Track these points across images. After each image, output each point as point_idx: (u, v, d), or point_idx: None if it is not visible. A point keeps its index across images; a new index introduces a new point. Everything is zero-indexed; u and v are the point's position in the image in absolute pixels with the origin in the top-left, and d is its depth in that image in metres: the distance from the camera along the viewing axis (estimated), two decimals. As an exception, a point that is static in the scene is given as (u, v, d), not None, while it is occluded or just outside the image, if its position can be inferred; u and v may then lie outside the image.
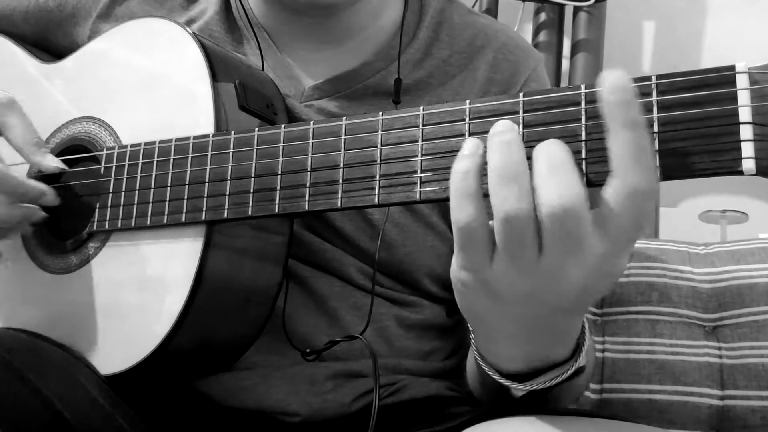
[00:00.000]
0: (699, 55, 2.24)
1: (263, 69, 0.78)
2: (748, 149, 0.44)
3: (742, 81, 0.45)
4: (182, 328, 0.64)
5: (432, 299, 0.80)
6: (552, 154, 0.46)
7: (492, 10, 2.16)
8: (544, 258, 0.47)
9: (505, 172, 0.46)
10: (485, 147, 0.48)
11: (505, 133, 0.47)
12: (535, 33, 2.20)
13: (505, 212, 0.46)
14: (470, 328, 0.60)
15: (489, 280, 0.49)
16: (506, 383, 0.58)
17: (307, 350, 0.72)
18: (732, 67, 0.45)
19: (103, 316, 0.69)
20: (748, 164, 0.44)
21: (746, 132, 0.44)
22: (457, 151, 0.50)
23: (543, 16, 2.18)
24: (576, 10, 2.14)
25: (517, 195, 0.45)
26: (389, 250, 0.77)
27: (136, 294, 0.67)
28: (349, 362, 0.75)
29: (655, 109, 0.47)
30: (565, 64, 2.20)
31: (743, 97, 0.45)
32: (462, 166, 0.48)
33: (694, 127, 0.46)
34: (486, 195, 0.47)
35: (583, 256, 0.47)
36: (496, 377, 0.59)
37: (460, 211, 0.47)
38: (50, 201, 0.71)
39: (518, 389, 0.58)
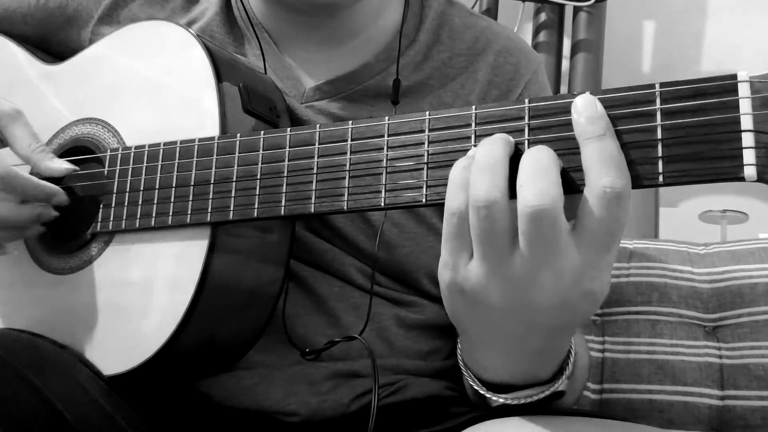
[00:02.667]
0: (699, 55, 2.24)
1: (265, 69, 0.78)
2: (749, 156, 0.45)
3: (743, 89, 0.46)
4: (186, 329, 0.64)
5: (432, 299, 0.81)
6: (538, 158, 0.47)
7: (492, 11, 2.16)
8: (518, 259, 0.48)
9: (483, 163, 0.48)
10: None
11: (495, 135, 0.49)
12: (535, 33, 2.20)
13: (475, 199, 0.47)
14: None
15: (465, 279, 0.51)
16: (482, 391, 0.60)
17: (306, 350, 0.72)
18: (734, 76, 0.46)
19: (105, 316, 0.69)
20: (750, 171, 0.45)
21: (748, 139, 0.45)
22: (463, 154, 0.52)
23: (543, 16, 2.18)
24: (576, 10, 2.14)
25: (488, 184, 0.47)
26: (389, 250, 0.77)
27: (140, 295, 0.67)
28: (348, 362, 0.75)
29: (658, 115, 0.48)
30: (565, 64, 2.20)
31: (745, 106, 0.45)
32: (463, 161, 0.50)
33: (697, 134, 0.46)
34: None
35: (558, 266, 0.47)
36: (474, 384, 0.60)
37: (454, 200, 0.49)
38: (61, 201, 0.72)
39: (492, 399, 0.59)
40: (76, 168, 0.72)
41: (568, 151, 0.49)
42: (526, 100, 0.51)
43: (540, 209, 0.46)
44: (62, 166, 0.72)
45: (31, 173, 0.72)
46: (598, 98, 0.49)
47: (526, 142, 0.51)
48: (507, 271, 0.48)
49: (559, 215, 0.46)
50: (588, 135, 0.47)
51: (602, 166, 0.46)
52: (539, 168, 0.47)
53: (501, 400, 0.59)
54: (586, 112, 0.48)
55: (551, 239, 0.47)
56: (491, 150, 0.48)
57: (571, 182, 0.49)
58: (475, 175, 0.48)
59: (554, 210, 0.46)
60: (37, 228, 0.73)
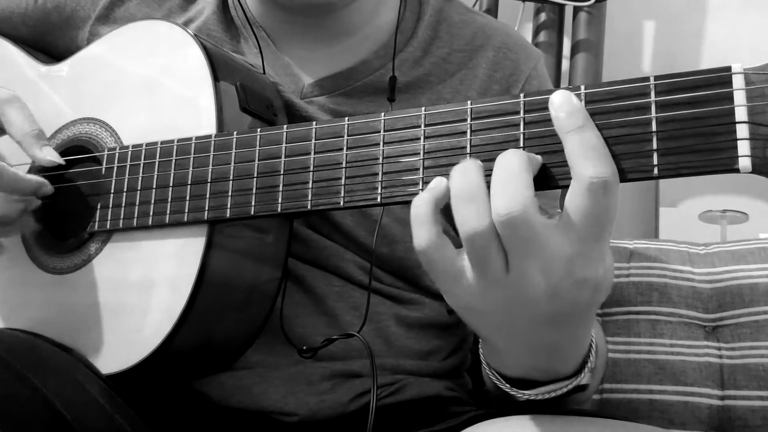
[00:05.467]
0: (699, 55, 2.24)
1: (263, 68, 0.78)
2: (744, 148, 0.45)
3: (738, 81, 0.46)
4: (184, 328, 0.64)
5: (432, 296, 0.80)
6: (505, 165, 0.48)
7: (492, 10, 2.16)
8: (510, 268, 0.49)
9: (463, 194, 0.48)
10: (446, 184, 0.50)
11: (464, 163, 0.50)
12: (535, 33, 2.20)
13: (467, 232, 0.48)
14: None
15: (459, 295, 0.51)
16: (505, 388, 0.60)
17: (304, 347, 0.72)
18: (728, 68, 0.46)
19: (104, 315, 0.69)
20: (744, 162, 0.45)
21: (742, 131, 0.45)
22: (459, 149, 0.52)
23: (543, 16, 2.18)
24: (576, 10, 2.14)
25: (475, 214, 0.48)
26: (390, 245, 0.77)
27: (137, 294, 0.67)
28: (347, 362, 0.75)
29: (653, 108, 0.47)
30: (565, 64, 2.20)
31: (739, 97, 0.45)
32: (419, 198, 0.51)
33: (692, 126, 0.47)
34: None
35: (546, 261, 0.48)
36: (498, 382, 0.60)
37: (416, 237, 0.50)
38: (46, 191, 0.72)
39: (518, 396, 0.59)
40: (63, 161, 0.72)
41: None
42: (521, 95, 0.51)
43: (511, 217, 0.46)
44: (48, 156, 0.71)
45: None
46: (594, 91, 0.49)
47: (522, 136, 0.51)
48: (502, 277, 0.49)
49: (532, 217, 0.47)
50: (568, 128, 0.48)
51: (585, 157, 0.47)
52: (507, 174, 0.47)
53: (525, 396, 0.59)
54: (563, 107, 0.48)
55: (530, 239, 0.47)
56: (469, 180, 0.49)
57: (552, 177, 0.49)
58: (457, 207, 0.49)
59: (525, 214, 0.46)
60: (30, 224, 0.73)
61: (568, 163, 0.47)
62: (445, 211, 0.51)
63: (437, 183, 0.51)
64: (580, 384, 0.59)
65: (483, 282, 0.49)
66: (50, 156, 0.71)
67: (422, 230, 0.50)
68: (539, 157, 0.50)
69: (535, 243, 0.47)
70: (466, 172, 0.49)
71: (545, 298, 0.49)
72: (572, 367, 0.58)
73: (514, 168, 0.47)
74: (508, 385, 0.60)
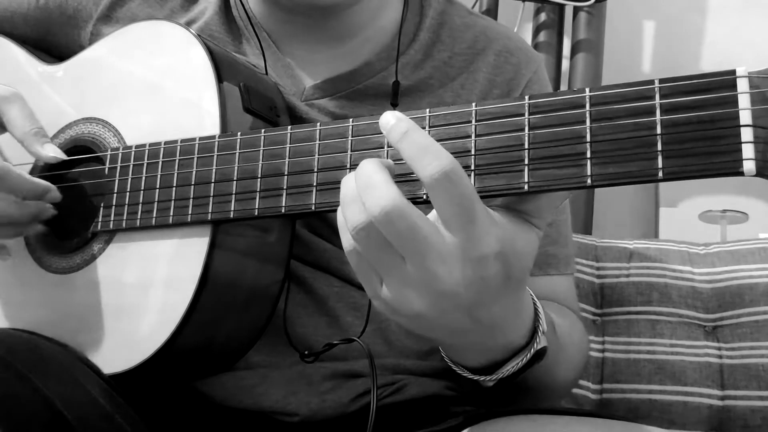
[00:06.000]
0: (699, 55, 2.24)
1: (266, 69, 0.78)
2: (748, 151, 0.45)
3: (742, 85, 0.46)
4: (186, 328, 0.64)
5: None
6: (361, 174, 0.50)
7: (492, 11, 2.16)
8: (407, 262, 0.50)
9: (345, 199, 0.51)
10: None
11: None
12: (535, 33, 2.20)
13: (351, 227, 0.50)
14: None
15: (388, 300, 0.53)
16: (473, 377, 0.61)
17: (306, 352, 0.72)
18: (733, 72, 0.46)
19: (106, 315, 0.69)
20: (749, 165, 0.45)
21: (747, 134, 0.45)
22: (463, 152, 0.52)
23: (543, 17, 2.18)
24: (576, 10, 2.14)
25: (354, 212, 0.50)
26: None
27: (140, 294, 0.67)
28: (348, 362, 0.75)
29: (658, 111, 0.48)
30: (565, 64, 2.20)
31: (744, 101, 0.46)
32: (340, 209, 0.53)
33: (696, 129, 0.47)
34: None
35: (439, 251, 0.49)
36: (465, 374, 0.61)
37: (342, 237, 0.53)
38: (54, 198, 0.71)
39: (486, 381, 0.60)
40: (65, 157, 0.72)
41: (572, 148, 0.49)
42: (526, 97, 0.51)
43: (384, 211, 0.48)
44: (50, 153, 0.71)
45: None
46: (598, 93, 0.49)
47: (526, 138, 0.51)
48: (407, 277, 0.50)
49: (404, 211, 0.48)
50: (395, 139, 0.50)
51: (419, 158, 0.48)
52: (368, 182, 0.49)
53: (490, 379, 0.60)
54: (387, 124, 0.50)
55: (412, 230, 0.49)
56: (346, 185, 0.51)
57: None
58: (342, 210, 0.51)
59: (397, 207, 0.48)
60: (37, 227, 0.73)
61: (413, 169, 0.49)
62: None
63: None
64: (538, 349, 0.60)
65: (391, 280, 0.51)
66: (52, 152, 0.71)
67: (343, 235, 0.52)
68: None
69: (419, 234, 0.49)
70: (345, 180, 0.52)
71: (460, 285, 0.50)
72: (523, 335, 0.59)
73: (369, 171, 0.50)
74: (473, 375, 0.61)
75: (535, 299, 0.61)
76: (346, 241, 0.52)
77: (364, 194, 0.49)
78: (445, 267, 0.49)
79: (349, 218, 0.51)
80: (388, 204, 0.48)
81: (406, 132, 0.49)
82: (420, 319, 0.53)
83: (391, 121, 0.50)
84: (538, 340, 0.60)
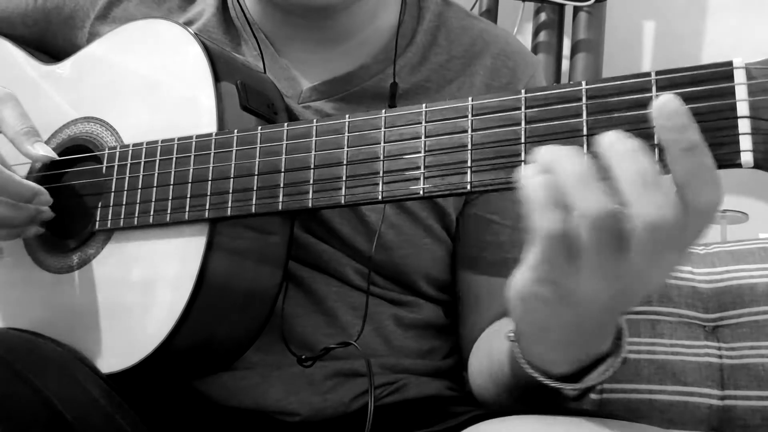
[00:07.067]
0: (699, 55, 2.24)
1: (264, 70, 0.78)
2: (746, 142, 0.45)
3: (739, 76, 0.46)
4: (184, 327, 0.64)
5: (428, 299, 0.81)
6: (642, 169, 0.44)
7: (492, 11, 2.15)
8: (630, 260, 0.46)
9: (647, 179, 0.44)
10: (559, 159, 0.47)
11: (627, 141, 0.45)
12: (535, 33, 2.20)
13: (649, 220, 0.44)
14: (511, 333, 0.59)
15: (573, 290, 0.49)
16: (557, 385, 0.57)
17: (303, 356, 0.72)
18: (729, 63, 0.46)
19: (104, 315, 0.69)
20: (746, 157, 0.45)
21: (744, 126, 0.45)
22: (460, 147, 0.51)
23: (543, 17, 2.18)
24: (576, 10, 2.14)
25: (659, 202, 0.44)
26: (386, 252, 0.77)
27: (138, 293, 0.67)
28: (348, 361, 0.75)
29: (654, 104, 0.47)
30: (565, 64, 2.19)
31: (741, 92, 0.46)
32: (543, 179, 0.47)
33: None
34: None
35: (663, 264, 0.47)
36: (547, 382, 0.57)
37: (547, 220, 0.46)
38: (44, 201, 0.71)
39: (571, 390, 0.57)
40: (55, 156, 0.72)
41: (570, 136, 0.49)
42: (522, 90, 0.51)
43: (663, 221, 0.44)
44: (40, 152, 0.70)
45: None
46: (595, 86, 0.49)
47: (523, 132, 0.50)
48: (618, 271, 0.47)
49: (676, 222, 0.44)
50: (684, 146, 0.44)
51: (704, 182, 0.44)
52: (649, 180, 0.44)
53: (582, 386, 0.57)
54: (680, 119, 0.44)
55: (665, 245, 0.45)
56: (577, 162, 0.46)
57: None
58: (576, 188, 0.45)
59: (672, 220, 0.44)
60: (34, 229, 0.72)
61: (682, 182, 0.44)
62: None
63: (551, 160, 0.47)
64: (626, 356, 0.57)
65: (601, 276, 0.47)
66: (42, 151, 0.71)
67: (557, 213, 0.46)
68: None
69: (666, 249, 0.46)
70: (638, 154, 0.44)
71: (644, 293, 0.50)
72: (609, 343, 0.56)
73: (650, 172, 0.44)
74: (559, 383, 0.57)
75: None
76: (547, 220, 0.46)
77: (642, 192, 0.44)
78: (657, 272, 0.48)
79: (591, 203, 0.44)
80: (665, 215, 0.43)
81: (698, 146, 0.43)
82: (579, 312, 0.50)
83: (679, 119, 0.44)
84: (622, 349, 0.56)
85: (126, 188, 0.68)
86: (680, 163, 0.44)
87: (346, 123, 0.58)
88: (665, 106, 0.44)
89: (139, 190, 0.67)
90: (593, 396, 1.04)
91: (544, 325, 0.53)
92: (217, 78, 0.68)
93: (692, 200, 0.44)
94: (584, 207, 0.45)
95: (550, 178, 0.46)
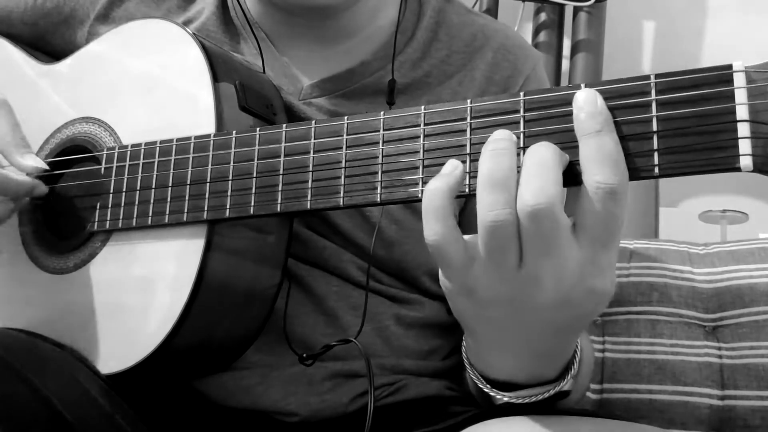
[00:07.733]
0: (699, 55, 2.24)
1: (263, 68, 0.78)
2: (745, 146, 0.45)
3: (739, 79, 0.46)
4: (183, 328, 0.64)
5: (431, 297, 0.80)
6: (537, 157, 0.47)
7: (492, 10, 2.16)
8: (524, 264, 0.48)
9: (493, 179, 0.47)
10: (462, 168, 0.50)
11: (497, 141, 0.48)
12: (535, 33, 2.20)
13: (490, 220, 0.47)
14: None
15: (471, 287, 0.51)
16: (486, 389, 0.60)
17: (304, 354, 0.72)
18: (729, 66, 0.46)
19: (103, 315, 0.69)
20: (746, 161, 0.45)
21: (743, 129, 0.45)
22: (459, 148, 0.51)
23: (543, 16, 2.18)
24: (576, 10, 2.14)
25: (502, 202, 0.47)
26: (388, 247, 0.77)
27: (137, 294, 0.67)
28: (347, 362, 0.75)
29: (654, 107, 0.47)
30: (565, 64, 2.20)
31: (740, 95, 0.45)
32: (432, 184, 0.49)
33: (692, 125, 0.46)
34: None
35: (559, 263, 0.48)
36: (478, 382, 0.60)
37: (428, 229, 0.49)
38: (41, 192, 0.72)
39: (497, 398, 0.59)
40: (46, 167, 0.72)
41: (565, 144, 0.49)
42: (521, 93, 0.51)
43: (537, 209, 0.46)
44: (29, 162, 0.70)
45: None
46: (596, 89, 0.49)
47: (522, 135, 0.50)
48: (513, 274, 0.49)
49: (558, 213, 0.46)
50: (585, 131, 0.47)
51: (597, 163, 0.46)
52: (539, 167, 0.47)
53: (506, 399, 0.59)
54: (586, 107, 0.47)
55: (551, 237, 0.47)
56: (500, 164, 0.47)
57: (578, 175, 0.48)
58: (487, 191, 0.47)
59: (553, 207, 0.46)
60: (26, 223, 0.72)
61: (581, 165, 0.47)
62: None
63: (453, 168, 0.50)
64: (562, 390, 0.59)
65: (494, 274, 0.49)
66: (32, 162, 0.70)
67: (437, 225, 0.49)
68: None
69: (554, 241, 0.47)
70: (498, 154, 0.48)
71: (553, 306, 0.49)
72: (556, 371, 0.58)
73: (548, 161, 0.47)
74: (488, 386, 0.60)
75: (578, 340, 0.59)
76: (428, 229, 0.49)
77: (532, 178, 0.46)
78: (555, 283, 0.48)
79: (492, 207, 0.47)
80: (543, 201, 0.45)
81: (600, 132, 0.47)
82: (491, 313, 0.52)
83: (590, 107, 0.47)
84: (565, 382, 0.58)
85: (124, 189, 0.68)
86: (582, 146, 0.47)
87: (345, 124, 0.58)
88: (581, 97, 0.47)
89: (138, 191, 0.67)
90: (593, 396, 1.04)
91: (465, 321, 0.55)
92: (215, 78, 0.68)
93: (586, 180, 0.46)
94: (483, 211, 0.47)
95: (438, 184, 0.49)
